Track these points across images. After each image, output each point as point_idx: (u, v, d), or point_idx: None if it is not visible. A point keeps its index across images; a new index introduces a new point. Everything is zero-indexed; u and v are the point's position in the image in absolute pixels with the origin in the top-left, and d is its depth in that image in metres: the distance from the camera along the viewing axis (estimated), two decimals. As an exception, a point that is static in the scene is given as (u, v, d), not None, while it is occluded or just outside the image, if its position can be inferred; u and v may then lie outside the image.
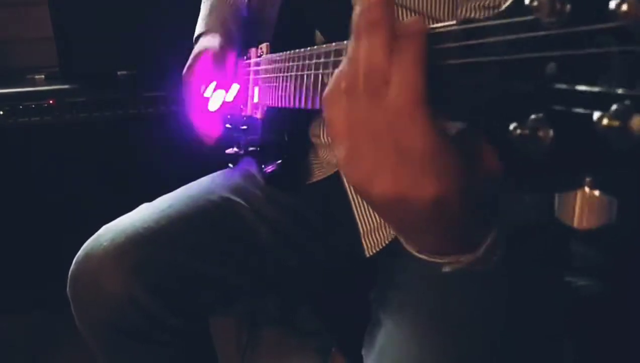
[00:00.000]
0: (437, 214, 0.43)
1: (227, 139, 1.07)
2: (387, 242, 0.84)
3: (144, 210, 0.95)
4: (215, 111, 0.99)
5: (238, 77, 1.02)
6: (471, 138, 0.41)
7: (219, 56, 0.99)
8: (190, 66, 1.01)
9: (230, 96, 0.99)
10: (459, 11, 0.67)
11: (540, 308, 0.77)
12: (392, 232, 0.83)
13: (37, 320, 1.70)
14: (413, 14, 0.77)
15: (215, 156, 1.10)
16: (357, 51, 0.42)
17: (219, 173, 1.06)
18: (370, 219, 0.85)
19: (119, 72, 1.68)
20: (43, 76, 1.67)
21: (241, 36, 1.06)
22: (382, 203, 0.43)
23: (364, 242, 0.85)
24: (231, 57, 1.01)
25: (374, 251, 0.85)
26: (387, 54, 0.41)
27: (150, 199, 0.98)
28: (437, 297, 0.74)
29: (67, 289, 0.92)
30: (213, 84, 0.99)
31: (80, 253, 0.91)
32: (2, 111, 1.53)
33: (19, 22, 1.86)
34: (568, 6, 0.31)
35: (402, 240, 0.52)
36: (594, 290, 0.93)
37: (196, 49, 1.02)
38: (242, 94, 1.01)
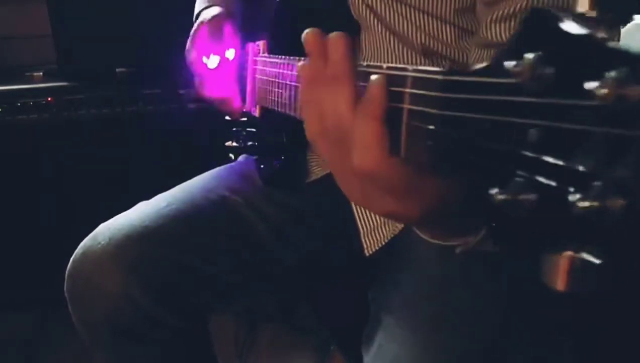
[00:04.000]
0: (428, 220, 0.52)
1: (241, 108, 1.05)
2: (386, 241, 0.84)
3: (142, 208, 0.95)
4: (218, 73, 0.98)
5: (238, 45, 1.00)
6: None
7: (215, 25, 0.98)
8: (190, 40, 1.00)
9: (230, 55, 0.98)
10: (483, 27, 0.68)
11: (540, 306, 0.77)
12: (391, 231, 0.83)
13: (35, 319, 1.70)
14: (414, 11, 0.77)
15: (214, 153, 1.10)
16: (321, 101, 0.49)
17: (217, 170, 1.06)
18: (370, 218, 0.85)
19: (117, 70, 1.67)
20: (41, 73, 1.67)
21: (241, 10, 1.05)
22: (384, 216, 0.54)
23: (363, 241, 0.85)
24: (228, 25, 0.99)
25: (374, 249, 0.85)
26: (352, 108, 0.46)
27: (148, 198, 0.98)
28: (438, 296, 0.74)
29: (65, 288, 0.91)
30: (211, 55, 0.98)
31: (77, 251, 0.91)
32: (0, 109, 1.53)
33: (17, 19, 1.85)
34: (551, 71, 0.30)
35: (416, 230, 0.61)
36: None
37: (195, 24, 1.01)
38: (242, 89, 1.00)
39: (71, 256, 0.92)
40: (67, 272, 0.91)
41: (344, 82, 0.47)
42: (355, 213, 0.86)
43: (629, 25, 0.28)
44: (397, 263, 0.80)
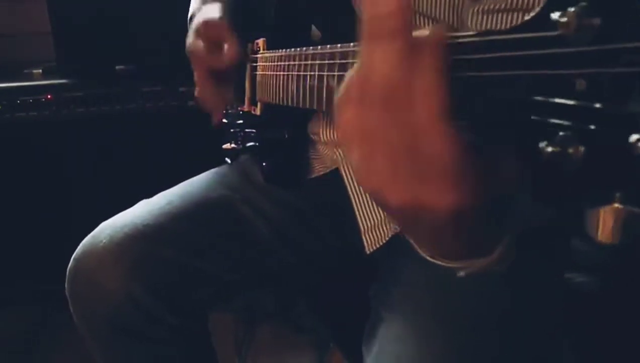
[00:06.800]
0: (454, 223, 0.42)
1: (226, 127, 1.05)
2: (387, 239, 0.84)
3: (142, 207, 0.95)
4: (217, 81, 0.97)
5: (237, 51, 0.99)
6: (488, 147, 0.39)
7: (221, 25, 0.97)
8: (193, 38, 0.99)
9: (231, 60, 0.96)
10: (466, 17, 0.67)
11: (540, 305, 0.77)
12: (392, 229, 0.83)
13: (35, 316, 1.70)
14: (424, 19, 0.77)
15: (215, 151, 1.10)
16: (371, 58, 0.41)
17: (217, 169, 1.06)
18: (371, 216, 0.85)
19: (117, 67, 1.67)
20: (40, 71, 1.67)
21: (241, 11, 1.04)
22: (399, 211, 0.42)
23: (364, 239, 0.85)
24: (228, 30, 0.98)
25: (375, 247, 0.85)
26: (405, 66, 0.39)
27: (149, 196, 0.98)
28: (439, 294, 0.74)
29: (66, 286, 0.91)
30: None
31: (78, 249, 0.91)
32: (0, 106, 1.52)
33: (17, 16, 1.85)
34: (597, 21, 0.30)
35: (416, 245, 0.52)
36: (593, 286, 0.93)
37: (197, 21, 0.99)
38: (239, 90, 1.00)
39: (72, 254, 0.91)
40: (68, 270, 0.91)
41: (398, 35, 0.40)
42: (356, 211, 0.86)
43: None
44: (397, 260, 0.80)
